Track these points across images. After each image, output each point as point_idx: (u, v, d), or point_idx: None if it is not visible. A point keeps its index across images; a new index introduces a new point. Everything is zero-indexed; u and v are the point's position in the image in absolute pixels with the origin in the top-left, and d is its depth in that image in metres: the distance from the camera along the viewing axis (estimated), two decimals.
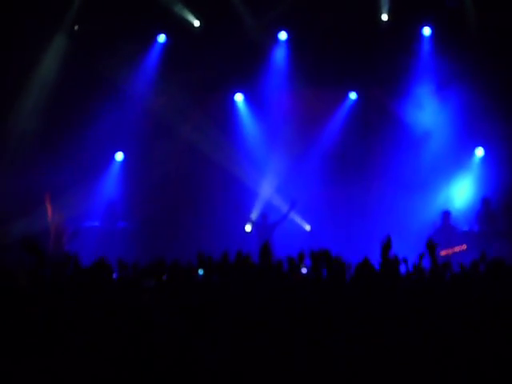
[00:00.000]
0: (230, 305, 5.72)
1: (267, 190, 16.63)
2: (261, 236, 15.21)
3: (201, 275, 7.21)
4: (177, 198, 16.76)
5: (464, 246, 14.04)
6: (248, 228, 15.86)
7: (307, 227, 16.63)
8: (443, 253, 13.81)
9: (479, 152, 16.52)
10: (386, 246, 6.72)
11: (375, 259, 6.77)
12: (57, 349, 5.21)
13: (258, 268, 6.69)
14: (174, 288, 6.54)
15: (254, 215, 16.08)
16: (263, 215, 15.58)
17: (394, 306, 5.62)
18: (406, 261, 7.03)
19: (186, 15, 16.54)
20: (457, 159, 16.39)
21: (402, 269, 6.90)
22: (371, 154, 16.67)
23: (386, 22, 16.38)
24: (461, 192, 15.86)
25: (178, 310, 5.66)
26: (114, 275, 7.50)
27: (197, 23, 16.67)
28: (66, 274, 7.29)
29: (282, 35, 16.96)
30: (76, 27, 16.35)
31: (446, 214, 15.05)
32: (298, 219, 16.56)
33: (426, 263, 7.00)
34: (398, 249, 7.33)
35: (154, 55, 16.87)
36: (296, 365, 5.07)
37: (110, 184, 16.85)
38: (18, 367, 5.06)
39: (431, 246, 6.70)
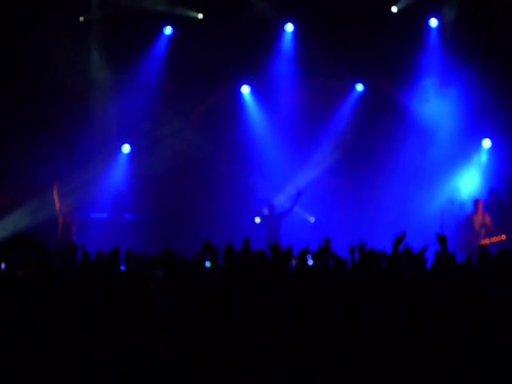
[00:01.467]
0: (237, 297, 5.73)
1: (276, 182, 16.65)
2: (268, 227, 15.21)
3: (208, 267, 7.22)
4: (184, 190, 16.79)
5: (503, 236, 13.89)
6: (258, 220, 15.86)
7: (311, 219, 16.64)
8: (484, 242, 13.71)
9: (486, 143, 16.49)
10: (399, 240, 6.74)
11: (382, 250, 6.78)
12: (63, 340, 5.23)
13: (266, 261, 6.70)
14: (181, 278, 6.56)
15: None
16: (270, 207, 15.58)
17: (400, 300, 5.63)
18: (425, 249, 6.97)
19: (191, 8, 16.54)
20: (464, 150, 16.37)
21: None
22: (378, 145, 16.67)
23: (394, 13, 16.37)
24: (468, 183, 15.82)
25: (184, 300, 5.68)
26: (122, 267, 7.53)
27: (200, 16, 16.67)
28: (74, 264, 7.32)
29: (289, 27, 16.94)
30: (81, 18, 16.35)
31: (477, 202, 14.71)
32: (302, 211, 16.56)
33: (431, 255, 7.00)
34: (405, 240, 7.34)
35: (160, 47, 16.87)
36: (301, 361, 5.08)
37: (118, 175, 16.89)
38: (26, 359, 5.09)
39: (442, 238, 6.67)
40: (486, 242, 13.74)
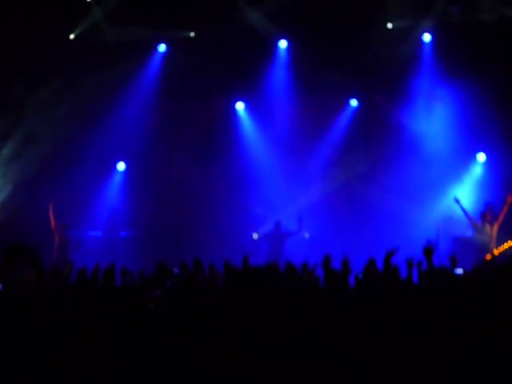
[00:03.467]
0: (235, 313, 5.71)
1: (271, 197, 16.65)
2: (272, 244, 15.22)
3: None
4: (179, 207, 16.77)
5: (511, 243, 13.93)
6: (255, 236, 15.84)
7: (306, 234, 16.63)
8: (496, 252, 13.74)
9: (481, 157, 16.52)
10: (389, 255, 6.72)
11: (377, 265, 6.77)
12: (61, 358, 5.21)
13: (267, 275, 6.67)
14: (178, 296, 6.54)
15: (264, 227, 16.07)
16: (277, 224, 15.56)
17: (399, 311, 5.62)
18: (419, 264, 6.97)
19: (183, 26, 16.59)
20: (459, 165, 16.39)
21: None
22: (372, 160, 16.67)
23: (388, 29, 16.44)
24: (464, 197, 15.81)
25: (182, 318, 5.66)
26: (118, 283, 7.51)
27: (192, 34, 16.73)
28: (69, 282, 7.30)
29: (283, 43, 16.99)
30: (72, 36, 16.38)
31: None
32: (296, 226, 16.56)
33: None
34: (401, 255, 7.34)
35: (154, 65, 16.91)
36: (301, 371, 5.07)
37: (113, 193, 16.88)
38: (21, 375, 5.07)
39: (428, 251, 6.67)
40: (496, 252, 13.77)
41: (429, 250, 6.65)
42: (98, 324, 5.51)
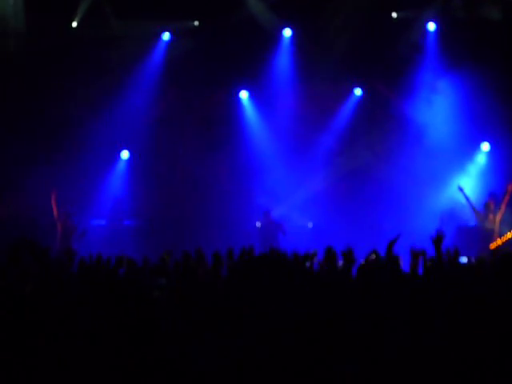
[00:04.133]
0: (239, 304, 5.72)
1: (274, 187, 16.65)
2: (263, 235, 15.17)
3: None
4: (183, 196, 16.77)
5: (510, 234, 13.98)
6: (258, 224, 15.85)
7: (309, 224, 16.63)
8: (499, 241, 13.76)
9: (485, 147, 16.50)
10: (392, 243, 6.69)
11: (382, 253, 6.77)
12: (64, 348, 5.22)
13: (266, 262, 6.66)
14: (183, 286, 6.54)
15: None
16: (265, 213, 15.53)
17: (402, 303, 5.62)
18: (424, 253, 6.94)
19: (188, 15, 16.54)
20: (463, 154, 16.38)
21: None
22: (376, 149, 16.65)
23: (393, 18, 16.39)
24: (467, 187, 15.79)
25: (186, 308, 5.67)
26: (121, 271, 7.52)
27: (196, 23, 16.69)
28: (71, 271, 7.31)
29: (287, 32, 16.94)
30: (74, 24, 16.33)
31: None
32: (300, 216, 16.56)
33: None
34: (404, 244, 7.33)
35: (158, 53, 16.88)
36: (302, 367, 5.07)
37: (117, 182, 16.88)
38: (23, 367, 5.08)
39: (437, 239, 6.61)
40: (496, 243, 13.78)
41: (438, 238, 6.59)
42: (102, 312, 5.52)
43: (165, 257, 8.36)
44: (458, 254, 6.86)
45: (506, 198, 14.29)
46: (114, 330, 5.33)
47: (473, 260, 8.33)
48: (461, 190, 14.71)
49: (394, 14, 16.44)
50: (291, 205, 16.47)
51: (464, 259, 7.18)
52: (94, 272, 6.75)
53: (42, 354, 5.16)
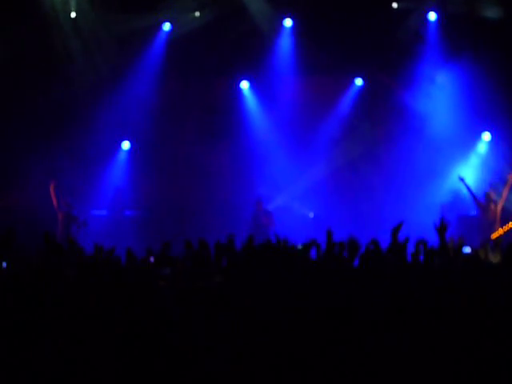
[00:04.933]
0: (241, 295, 5.72)
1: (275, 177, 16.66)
2: (255, 223, 15.06)
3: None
4: (183, 185, 16.77)
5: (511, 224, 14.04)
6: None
7: (310, 214, 16.63)
8: (501, 230, 13.80)
9: (486, 136, 16.49)
10: (396, 229, 6.66)
11: (383, 244, 6.76)
12: (68, 337, 5.23)
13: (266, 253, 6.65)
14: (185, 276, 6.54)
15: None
16: (258, 202, 15.48)
17: (402, 292, 5.61)
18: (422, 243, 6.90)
19: (188, 5, 16.47)
20: (464, 144, 16.37)
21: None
22: (377, 139, 16.65)
23: (394, 8, 16.35)
24: (468, 177, 15.80)
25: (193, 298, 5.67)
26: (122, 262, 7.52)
27: (197, 13, 16.64)
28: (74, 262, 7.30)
29: (288, 22, 16.90)
30: (73, 14, 16.26)
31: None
32: (301, 206, 16.57)
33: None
34: (406, 233, 7.32)
35: (159, 43, 16.85)
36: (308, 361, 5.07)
37: (118, 172, 16.88)
38: (31, 357, 5.09)
39: (442, 227, 6.55)
40: (497, 234, 13.81)
41: (442, 227, 6.54)
42: (107, 303, 5.52)
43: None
44: (462, 244, 6.84)
45: (507, 187, 14.30)
46: (119, 320, 5.33)
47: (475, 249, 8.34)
48: (462, 180, 14.72)
49: (395, 4, 16.40)
50: (292, 195, 16.48)
51: (467, 249, 7.17)
52: (96, 263, 6.74)
53: (43, 338, 5.18)
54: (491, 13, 15.69)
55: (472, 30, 15.78)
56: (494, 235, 13.71)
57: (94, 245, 7.95)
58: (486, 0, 15.76)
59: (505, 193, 14.26)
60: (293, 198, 16.55)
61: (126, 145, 16.99)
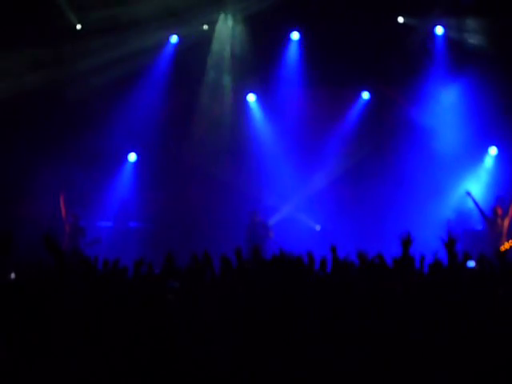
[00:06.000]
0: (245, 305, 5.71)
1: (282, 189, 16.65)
2: (249, 235, 14.98)
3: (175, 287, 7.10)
4: (190, 198, 16.78)
5: None
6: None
7: (317, 227, 16.61)
8: (507, 245, 13.79)
9: (493, 151, 16.47)
10: (407, 241, 6.62)
11: (388, 258, 6.74)
12: (75, 348, 5.22)
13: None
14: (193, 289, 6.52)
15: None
16: (252, 212, 15.36)
17: (407, 304, 5.60)
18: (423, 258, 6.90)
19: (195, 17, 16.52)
20: (471, 158, 16.35)
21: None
22: (384, 153, 16.63)
23: (401, 23, 16.40)
24: (475, 191, 15.78)
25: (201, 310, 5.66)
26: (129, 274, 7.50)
27: (205, 27, 16.71)
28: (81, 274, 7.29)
29: (295, 35, 16.94)
30: (79, 26, 16.32)
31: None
32: (308, 218, 16.56)
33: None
34: (412, 247, 7.30)
35: (166, 56, 16.90)
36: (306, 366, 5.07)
37: (124, 183, 16.91)
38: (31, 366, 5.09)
39: (450, 241, 6.51)
40: (504, 247, 13.79)
41: (450, 241, 6.51)
42: (115, 316, 5.52)
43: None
44: (467, 258, 6.80)
45: None
46: (128, 332, 5.33)
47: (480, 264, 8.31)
48: (469, 194, 14.70)
49: (401, 19, 16.42)
50: (298, 207, 16.47)
51: (472, 263, 7.14)
52: (104, 276, 6.73)
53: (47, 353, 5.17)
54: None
55: (479, 44, 15.80)
56: (502, 249, 13.69)
57: (96, 258, 7.93)
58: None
59: (511, 207, 14.24)
60: (299, 211, 16.54)
61: (132, 157, 17.02)
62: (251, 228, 15.16)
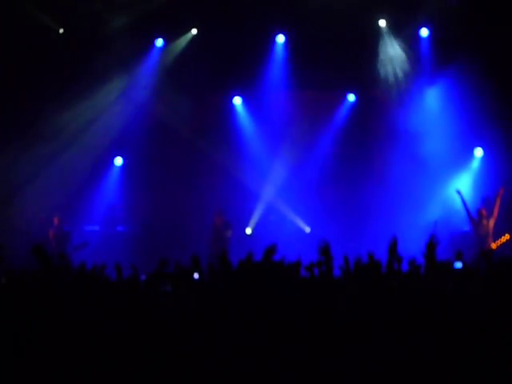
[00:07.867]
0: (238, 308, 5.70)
1: (269, 192, 16.65)
2: (213, 236, 14.82)
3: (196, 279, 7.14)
4: (176, 202, 16.75)
5: (507, 236, 14.19)
6: (248, 231, 15.77)
7: (307, 229, 16.63)
8: (494, 245, 13.88)
9: (478, 152, 16.54)
10: (393, 246, 6.63)
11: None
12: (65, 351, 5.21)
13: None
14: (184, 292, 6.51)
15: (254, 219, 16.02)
16: (218, 212, 15.08)
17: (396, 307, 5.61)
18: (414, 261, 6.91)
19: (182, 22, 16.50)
20: (456, 160, 16.40)
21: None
22: (370, 155, 16.67)
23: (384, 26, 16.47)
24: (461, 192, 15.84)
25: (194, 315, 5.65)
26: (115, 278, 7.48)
27: (194, 31, 16.71)
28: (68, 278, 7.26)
29: (280, 38, 16.97)
30: (61, 30, 16.28)
31: None
32: (297, 221, 16.58)
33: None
34: (399, 250, 7.31)
35: (152, 59, 16.88)
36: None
37: (110, 188, 16.86)
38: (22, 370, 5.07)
39: (431, 245, 6.55)
40: (494, 246, 13.88)
41: (431, 244, 6.53)
42: (109, 320, 5.50)
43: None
44: (459, 258, 6.82)
45: (498, 201, 14.36)
46: (122, 336, 5.32)
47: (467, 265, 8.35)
48: (458, 192, 14.75)
49: (383, 22, 16.47)
50: (286, 210, 16.49)
51: (459, 264, 7.17)
52: (95, 280, 6.70)
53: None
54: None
55: (464, 45, 15.87)
56: (492, 247, 13.81)
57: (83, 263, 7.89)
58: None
59: (496, 208, 14.31)
60: (287, 214, 16.55)
61: (118, 161, 16.98)
62: (215, 229, 14.97)
